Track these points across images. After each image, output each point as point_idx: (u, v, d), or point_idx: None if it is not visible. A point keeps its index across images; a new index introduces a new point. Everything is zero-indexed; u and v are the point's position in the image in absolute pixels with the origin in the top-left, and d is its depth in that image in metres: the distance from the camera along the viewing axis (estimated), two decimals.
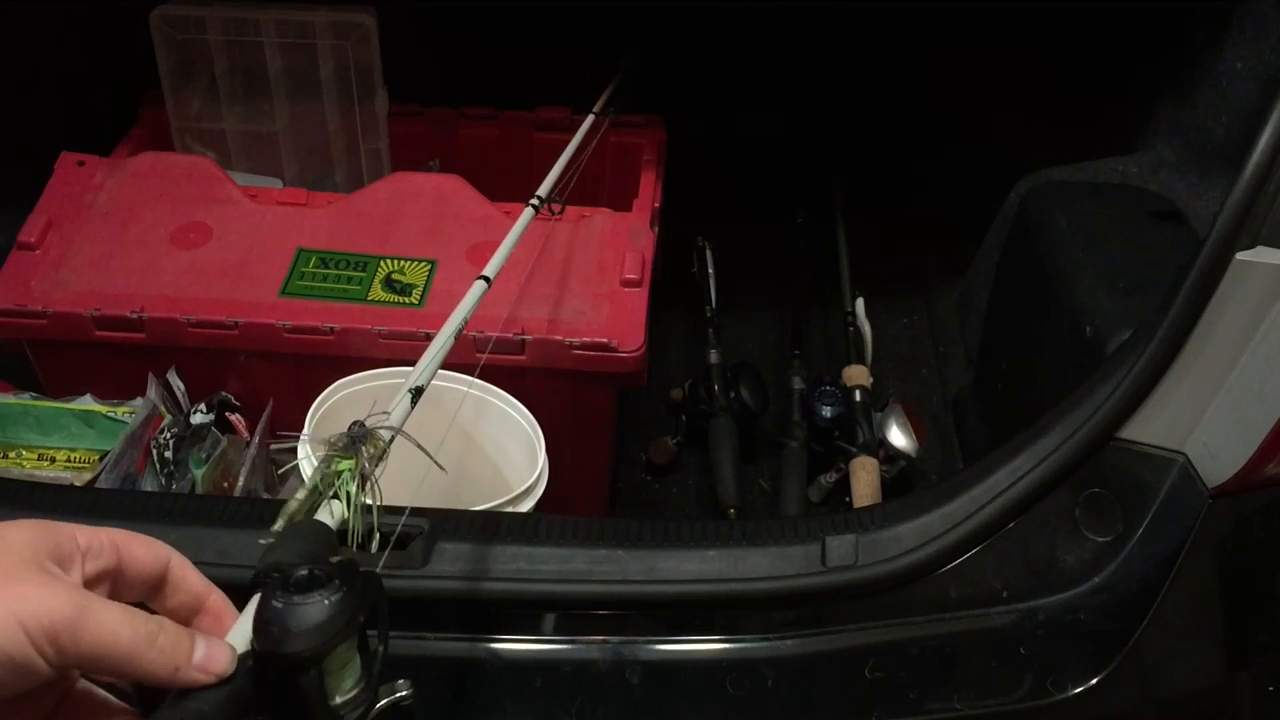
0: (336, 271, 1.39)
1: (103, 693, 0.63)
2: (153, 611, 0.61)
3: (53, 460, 1.35)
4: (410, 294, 1.37)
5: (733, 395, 1.62)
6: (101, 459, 1.32)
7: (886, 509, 1.02)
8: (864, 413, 1.60)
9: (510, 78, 1.78)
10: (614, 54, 1.66)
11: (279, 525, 0.67)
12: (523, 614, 0.99)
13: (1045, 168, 1.52)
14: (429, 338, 1.31)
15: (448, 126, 1.70)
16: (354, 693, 0.63)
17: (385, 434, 0.77)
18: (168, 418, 1.36)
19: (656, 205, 1.53)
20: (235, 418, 1.40)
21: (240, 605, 0.63)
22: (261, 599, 0.60)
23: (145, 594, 0.63)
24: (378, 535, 0.93)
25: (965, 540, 0.98)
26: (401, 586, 0.95)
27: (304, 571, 0.60)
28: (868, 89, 1.92)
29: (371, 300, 1.37)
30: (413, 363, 1.30)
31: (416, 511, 1.00)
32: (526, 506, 1.18)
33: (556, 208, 1.44)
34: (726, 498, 1.54)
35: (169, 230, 1.42)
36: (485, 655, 0.97)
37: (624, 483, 1.65)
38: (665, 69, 1.69)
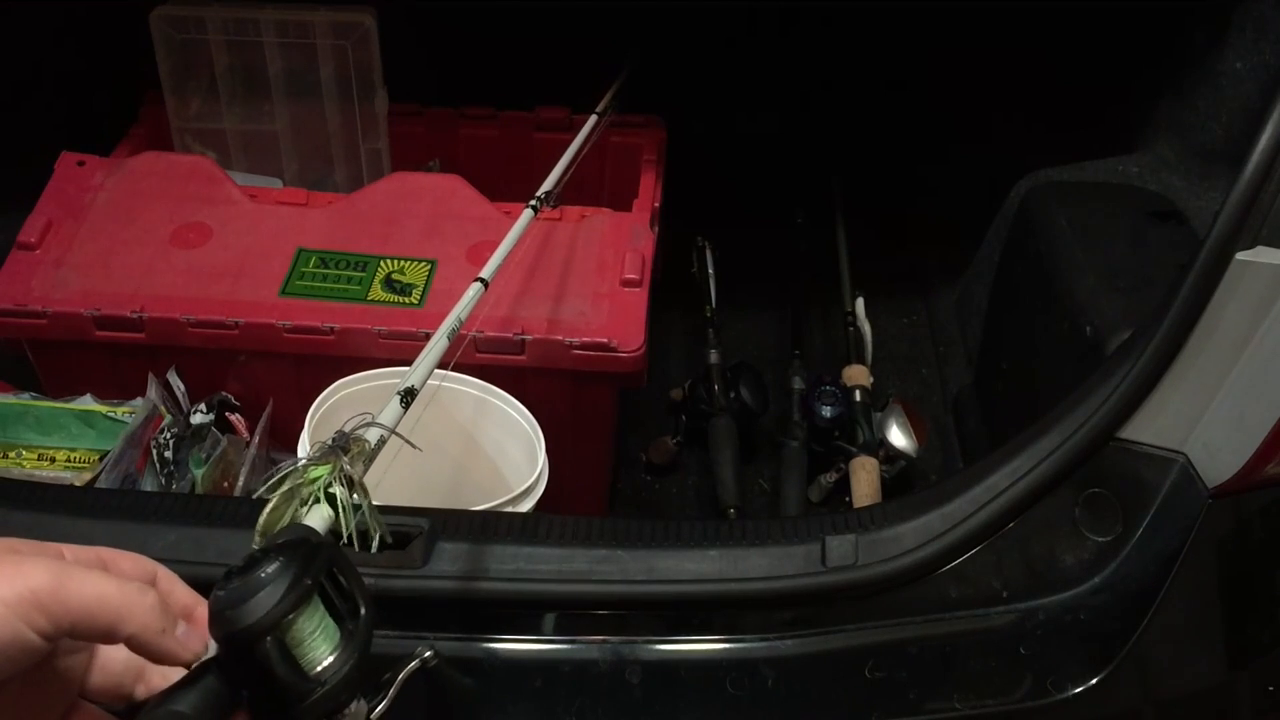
0: (336, 271, 1.39)
1: (99, 713, 0.63)
2: None
3: (53, 460, 1.35)
4: (410, 294, 1.37)
5: (733, 395, 1.62)
6: (101, 459, 1.32)
7: (886, 509, 1.02)
8: (864, 413, 1.60)
9: (510, 78, 1.78)
10: (614, 54, 1.66)
11: (255, 541, 0.68)
12: (523, 614, 0.99)
13: (1045, 168, 1.52)
14: (429, 337, 1.31)
15: (448, 126, 1.70)
16: (332, 658, 0.63)
17: (373, 436, 0.77)
18: (168, 418, 1.36)
19: (656, 205, 1.54)
20: (235, 418, 1.40)
21: None
22: (210, 599, 0.60)
23: None
24: (377, 536, 0.93)
25: (965, 540, 0.98)
26: (401, 586, 0.96)
27: (242, 560, 0.61)
28: (868, 89, 1.92)
29: (371, 300, 1.37)
30: (413, 363, 1.31)
31: (417, 511, 1.00)
32: (526, 506, 1.18)
33: (554, 212, 1.45)
34: (726, 498, 1.54)
35: (169, 230, 1.42)
36: (485, 655, 0.97)
37: (624, 483, 1.65)
38: (665, 69, 1.69)
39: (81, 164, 1.49)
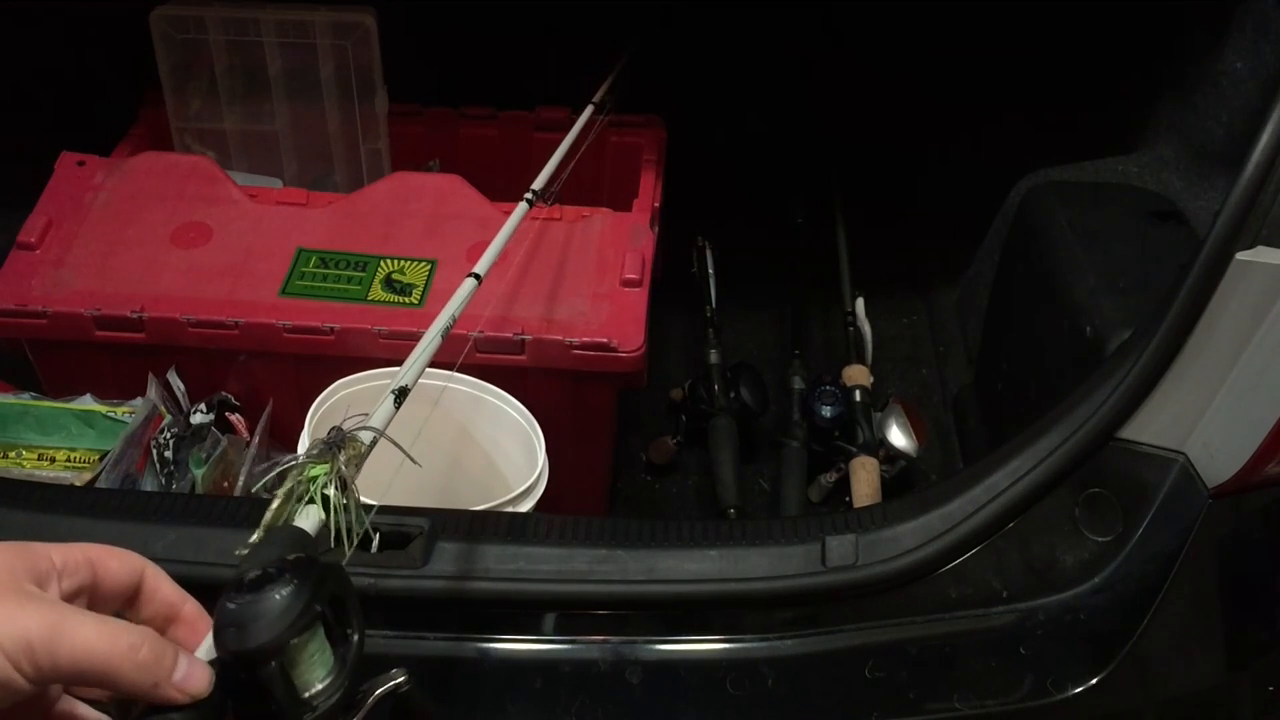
0: (336, 271, 1.39)
1: (84, 709, 0.63)
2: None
3: (53, 460, 1.35)
4: (410, 294, 1.37)
5: (733, 395, 1.62)
6: (101, 459, 1.32)
7: (886, 509, 1.02)
8: (864, 413, 1.60)
9: (510, 78, 1.78)
10: (614, 54, 1.66)
11: (255, 536, 0.68)
12: (523, 614, 0.99)
13: (1045, 168, 1.52)
14: None
15: (448, 126, 1.70)
16: (324, 684, 0.63)
17: (366, 436, 0.77)
18: (168, 418, 1.36)
19: (656, 205, 1.53)
20: (235, 418, 1.40)
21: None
22: (218, 605, 0.60)
23: (121, 606, 0.63)
24: (376, 536, 0.93)
25: (965, 540, 0.98)
26: (401, 586, 0.96)
27: (256, 572, 0.61)
28: (868, 89, 1.92)
29: (371, 300, 1.37)
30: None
31: (417, 511, 1.00)
32: (526, 506, 1.18)
33: (554, 211, 1.44)
34: (726, 498, 1.54)
35: (169, 230, 1.42)
36: (485, 655, 0.97)
37: (624, 483, 1.65)
38: (665, 69, 1.69)
39: (81, 164, 1.49)
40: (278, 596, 0.60)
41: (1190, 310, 0.93)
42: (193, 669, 0.60)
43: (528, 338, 1.33)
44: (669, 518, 1.61)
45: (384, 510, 0.99)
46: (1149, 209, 1.38)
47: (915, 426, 1.57)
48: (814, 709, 0.97)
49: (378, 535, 0.97)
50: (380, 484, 0.86)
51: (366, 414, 0.81)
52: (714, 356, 1.66)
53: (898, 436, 1.56)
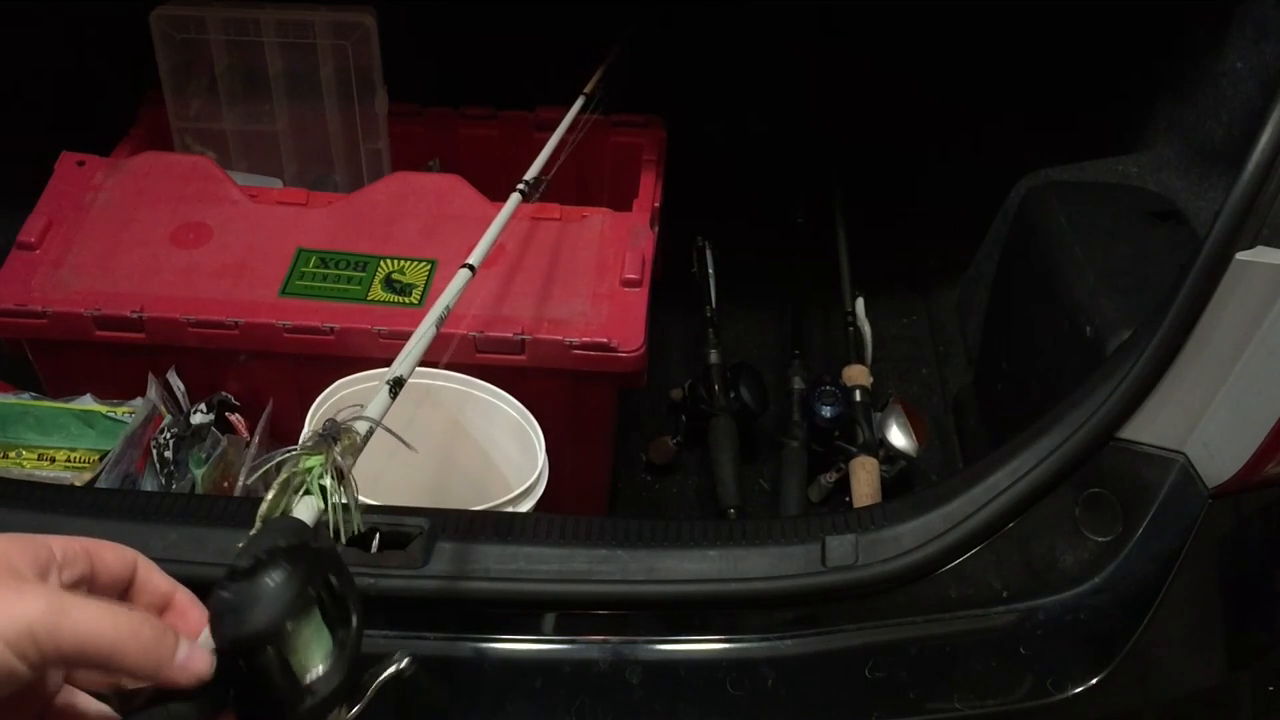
0: (336, 271, 1.39)
1: (85, 699, 0.63)
2: None
3: (53, 460, 1.35)
4: (410, 294, 1.37)
5: (733, 395, 1.62)
6: (101, 459, 1.32)
7: (886, 509, 1.02)
8: (864, 413, 1.60)
9: (510, 78, 1.78)
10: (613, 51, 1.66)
11: (255, 529, 0.68)
12: (523, 614, 0.99)
13: (1045, 168, 1.52)
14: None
15: (448, 126, 1.70)
16: (324, 668, 0.63)
17: (362, 426, 0.77)
18: (168, 418, 1.36)
19: (656, 205, 1.53)
20: (235, 418, 1.40)
21: None
22: (212, 595, 0.60)
23: (115, 597, 0.63)
24: (376, 539, 0.93)
25: (965, 540, 0.98)
26: (401, 586, 0.96)
27: (249, 560, 0.61)
28: (868, 89, 1.92)
29: (371, 300, 1.37)
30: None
31: (416, 511, 1.00)
32: (526, 506, 1.18)
33: (554, 211, 1.45)
34: (726, 498, 1.54)
35: (169, 230, 1.42)
36: (485, 655, 0.97)
37: (624, 483, 1.65)
38: (665, 69, 1.69)
39: (81, 164, 1.49)
40: (270, 582, 0.60)
41: (1190, 310, 0.93)
42: (194, 651, 0.60)
43: (527, 338, 1.33)
44: (669, 518, 1.61)
45: (383, 510, 1.00)
46: (1149, 209, 1.38)
47: (915, 426, 1.57)
48: (814, 709, 0.97)
49: (377, 535, 0.98)
50: (374, 478, 0.86)
51: (362, 405, 0.81)
52: (714, 356, 1.66)
53: (898, 436, 1.56)
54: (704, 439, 1.61)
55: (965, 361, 1.72)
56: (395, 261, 1.40)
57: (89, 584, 0.61)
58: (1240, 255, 0.91)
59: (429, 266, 1.40)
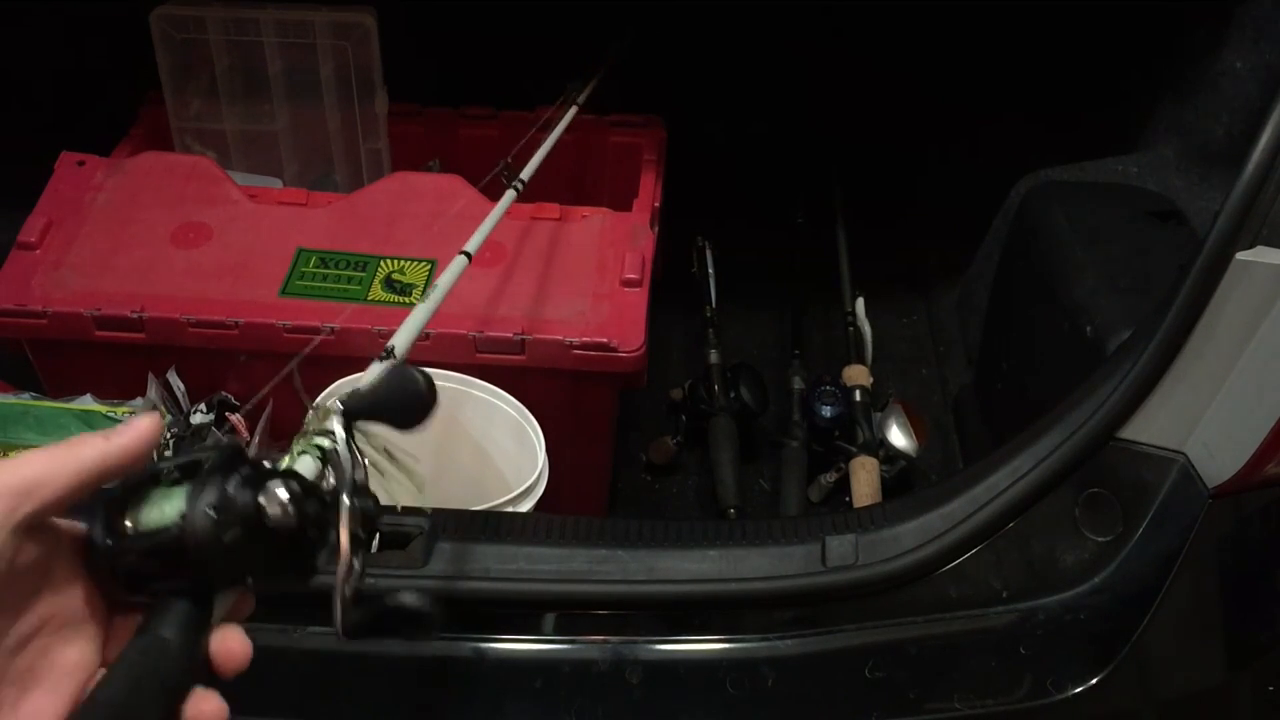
0: (336, 271, 1.39)
1: (61, 646, 0.61)
2: None
3: None
4: (410, 294, 1.37)
5: (733, 395, 1.62)
6: None
7: (886, 509, 1.02)
8: (864, 413, 1.60)
9: (510, 78, 1.78)
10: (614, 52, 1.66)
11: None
12: (523, 614, 0.99)
13: (1045, 168, 1.52)
14: (430, 338, 1.32)
15: (448, 126, 1.70)
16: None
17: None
18: (168, 418, 1.36)
19: (656, 205, 1.53)
20: (235, 418, 1.40)
21: None
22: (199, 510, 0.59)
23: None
24: (377, 536, 0.93)
25: (965, 540, 0.98)
26: (402, 586, 0.95)
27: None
28: (868, 89, 1.92)
29: (371, 300, 1.37)
30: (414, 363, 1.31)
31: (417, 511, 1.00)
32: (526, 506, 1.18)
33: (554, 211, 1.45)
34: (726, 498, 1.54)
35: (169, 230, 1.42)
36: (485, 655, 0.97)
37: (624, 483, 1.65)
38: (666, 69, 1.69)
39: (81, 164, 1.49)
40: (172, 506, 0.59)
41: (1190, 310, 0.93)
42: (127, 427, 0.60)
43: (527, 338, 1.33)
44: (669, 518, 1.61)
45: (384, 510, 0.99)
46: (1149, 209, 1.38)
47: (915, 426, 1.57)
48: (814, 709, 0.97)
49: (377, 535, 0.98)
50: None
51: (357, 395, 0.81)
52: (714, 356, 1.66)
53: (898, 436, 1.56)
54: (704, 439, 1.61)
55: (965, 361, 1.72)
56: (395, 261, 1.40)
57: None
58: (1240, 255, 0.91)
59: (429, 266, 1.40)
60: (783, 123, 1.99)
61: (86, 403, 1.37)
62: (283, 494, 0.60)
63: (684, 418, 1.66)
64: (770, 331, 1.85)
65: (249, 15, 1.55)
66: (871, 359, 1.71)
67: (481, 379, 1.29)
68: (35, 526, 0.57)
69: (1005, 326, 1.56)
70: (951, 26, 1.82)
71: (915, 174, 1.94)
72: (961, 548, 0.98)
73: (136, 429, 0.60)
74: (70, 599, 0.60)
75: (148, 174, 1.49)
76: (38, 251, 1.39)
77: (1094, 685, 0.96)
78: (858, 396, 1.61)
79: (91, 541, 0.59)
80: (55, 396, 1.39)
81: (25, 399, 1.38)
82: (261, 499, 0.60)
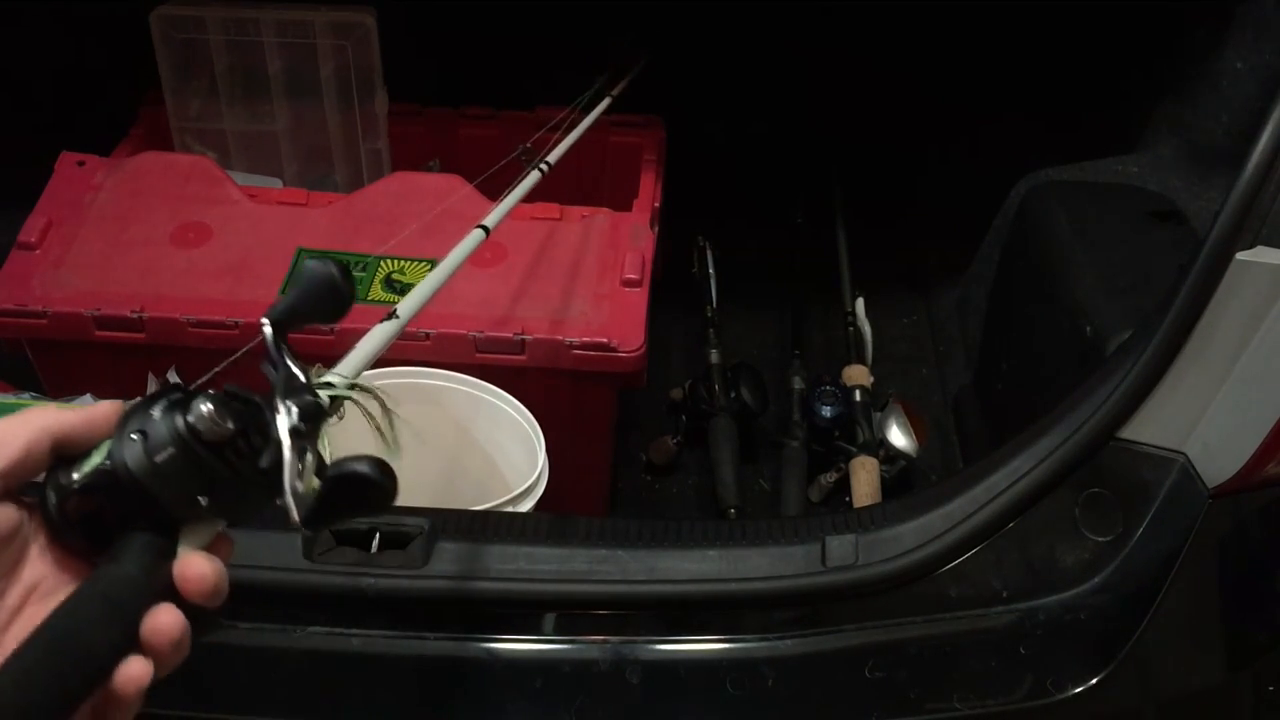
0: None
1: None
2: None
3: None
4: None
5: (733, 395, 1.62)
6: None
7: (886, 509, 1.02)
8: (864, 413, 1.60)
9: (510, 78, 1.78)
10: (616, 54, 1.66)
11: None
12: (523, 614, 0.99)
13: (1045, 168, 1.52)
14: (430, 338, 1.32)
15: (448, 126, 1.70)
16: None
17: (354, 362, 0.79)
18: None
19: (656, 205, 1.54)
20: None
21: None
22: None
23: None
24: (377, 536, 0.93)
25: (965, 540, 0.98)
26: (402, 586, 0.96)
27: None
28: (867, 89, 1.92)
29: (371, 300, 1.37)
30: (415, 363, 1.31)
31: (417, 511, 1.00)
32: (526, 506, 1.18)
33: (554, 211, 1.45)
34: (726, 498, 1.54)
35: (169, 230, 1.42)
36: (485, 655, 0.97)
37: (624, 483, 1.65)
38: (665, 69, 1.69)
39: (81, 164, 1.49)
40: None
41: (1190, 310, 0.93)
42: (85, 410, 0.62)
43: (528, 337, 1.33)
44: (669, 518, 1.60)
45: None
46: (1149, 209, 1.38)
47: (915, 426, 1.57)
48: (814, 709, 0.97)
49: (378, 535, 0.98)
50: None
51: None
52: (714, 356, 1.66)
53: (898, 436, 1.56)
54: (704, 439, 1.61)
55: (965, 361, 1.72)
56: (395, 261, 1.40)
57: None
58: (1240, 255, 0.91)
59: (429, 266, 1.40)
60: (783, 123, 1.99)
61: (86, 403, 1.36)
62: (206, 406, 0.61)
63: (684, 418, 1.66)
64: (770, 331, 1.85)
65: (249, 15, 1.55)
66: (871, 359, 1.71)
67: (481, 379, 1.29)
68: (4, 495, 0.58)
69: (1005, 326, 1.56)
70: (951, 27, 1.82)
71: (915, 174, 1.94)
72: (961, 548, 0.98)
73: (94, 405, 0.62)
74: (49, 565, 0.61)
75: (148, 174, 1.49)
76: (38, 251, 1.39)
77: (1094, 685, 0.96)
78: (858, 396, 1.61)
79: (42, 499, 0.61)
80: (55, 396, 1.39)
81: (25, 399, 1.38)
82: (190, 417, 0.61)
